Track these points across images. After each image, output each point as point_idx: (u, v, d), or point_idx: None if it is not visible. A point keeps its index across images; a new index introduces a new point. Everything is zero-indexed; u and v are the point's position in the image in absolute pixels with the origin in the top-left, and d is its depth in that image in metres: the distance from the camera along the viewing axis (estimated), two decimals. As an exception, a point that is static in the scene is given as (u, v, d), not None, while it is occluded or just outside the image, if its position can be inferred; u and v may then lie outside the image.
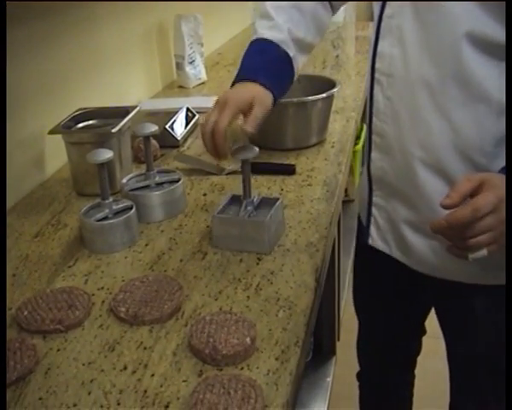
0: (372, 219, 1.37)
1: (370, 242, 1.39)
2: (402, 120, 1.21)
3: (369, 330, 1.69)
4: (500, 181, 1.01)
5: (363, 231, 1.42)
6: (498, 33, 1.06)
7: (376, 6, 1.24)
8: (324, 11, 1.47)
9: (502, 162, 1.09)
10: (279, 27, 1.39)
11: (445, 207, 0.98)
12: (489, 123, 1.12)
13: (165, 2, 2.62)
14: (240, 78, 1.35)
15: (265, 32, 1.39)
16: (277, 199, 1.37)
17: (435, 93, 1.15)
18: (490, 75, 1.10)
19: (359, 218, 1.49)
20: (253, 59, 1.39)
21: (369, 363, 1.76)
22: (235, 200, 1.39)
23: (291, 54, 1.39)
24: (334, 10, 1.51)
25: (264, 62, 1.37)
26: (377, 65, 1.24)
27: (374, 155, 1.31)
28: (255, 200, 1.37)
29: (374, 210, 1.36)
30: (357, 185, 3.64)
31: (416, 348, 1.69)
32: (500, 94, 1.09)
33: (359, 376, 1.82)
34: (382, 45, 1.22)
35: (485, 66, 1.10)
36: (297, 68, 1.42)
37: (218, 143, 1.26)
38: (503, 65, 1.09)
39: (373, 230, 1.38)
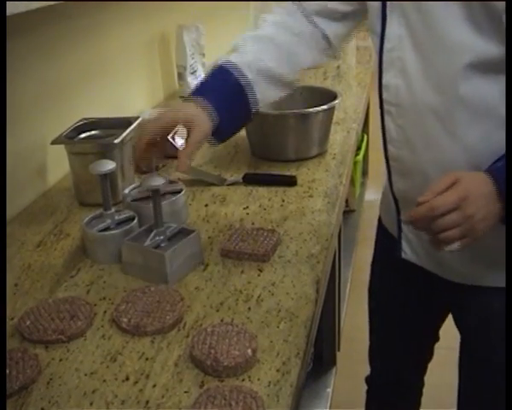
0: (403, 235, 1.39)
1: (403, 255, 1.41)
2: (415, 145, 1.23)
3: (384, 333, 1.70)
4: (471, 180, 1.08)
5: (393, 245, 1.43)
6: (501, 52, 1.08)
7: (376, 40, 1.26)
8: (306, 50, 1.43)
9: None
10: (245, 52, 1.37)
11: (419, 204, 1.07)
12: (498, 136, 1.13)
13: (167, 13, 2.63)
14: (188, 96, 1.35)
15: (230, 56, 1.37)
16: (193, 231, 1.34)
17: (442, 118, 1.17)
18: (493, 90, 1.12)
19: (386, 229, 1.51)
20: (206, 80, 1.37)
21: (381, 366, 1.76)
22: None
23: (243, 81, 1.33)
24: (333, 50, 1.46)
25: (215, 85, 1.35)
26: (384, 96, 1.26)
27: (394, 178, 1.34)
28: (170, 230, 1.34)
29: (403, 227, 1.38)
30: (358, 196, 3.66)
31: (429, 354, 1.70)
32: (504, 106, 1.11)
33: (369, 379, 1.82)
34: (386, 77, 1.24)
35: (487, 83, 1.12)
36: (259, 98, 1.36)
37: (136, 156, 1.31)
38: (503, 77, 1.10)
39: (405, 245, 1.40)
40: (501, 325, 1.22)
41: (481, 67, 1.11)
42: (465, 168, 1.16)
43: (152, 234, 1.32)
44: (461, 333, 1.46)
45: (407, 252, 1.41)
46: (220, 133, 1.33)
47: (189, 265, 1.32)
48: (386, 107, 1.28)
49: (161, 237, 1.32)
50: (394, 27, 1.20)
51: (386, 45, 1.22)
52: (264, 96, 1.38)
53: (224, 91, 1.34)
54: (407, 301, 1.57)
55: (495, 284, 1.28)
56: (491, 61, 1.10)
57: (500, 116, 1.12)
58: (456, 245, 1.07)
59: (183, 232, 1.35)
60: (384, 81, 1.26)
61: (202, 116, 1.28)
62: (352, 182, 3.38)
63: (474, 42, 1.09)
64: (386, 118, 1.28)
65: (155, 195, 1.30)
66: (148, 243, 1.30)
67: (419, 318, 1.58)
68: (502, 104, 1.11)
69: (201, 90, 1.34)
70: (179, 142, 1.59)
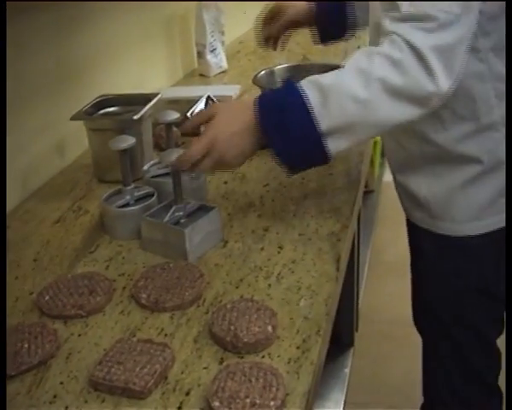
0: None
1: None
2: None
3: None
4: (225, 117, 1.23)
5: None
6: None
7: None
8: None
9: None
10: None
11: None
12: None
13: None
14: None
15: None
16: (213, 207, 1.34)
17: None
18: None
19: None
20: None
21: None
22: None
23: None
24: None
25: None
26: None
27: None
28: (189, 206, 1.34)
29: None
30: (377, 176, 3.63)
31: None
32: None
33: None
34: None
35: None
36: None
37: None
38: None
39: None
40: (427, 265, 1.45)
41: None
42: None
43: (171, 210, 1.31)
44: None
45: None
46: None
47: (208, 242, 1.31)
48: None
49: (181, 214, 1.31)
50: None
51: None
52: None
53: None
54: None
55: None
56: None
57: None
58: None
59: (203, 209, 1.34)
60: None
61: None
62: (371, 162, 3.36)
63: None
64: None
65: (175, 170, 1.29)
66: (167, 219, 1.30)
67: None
68: None
69: None
70: None
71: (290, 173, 1.27)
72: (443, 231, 1.37)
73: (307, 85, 1.17)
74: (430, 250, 1.42)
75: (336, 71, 1.18)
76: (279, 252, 1.27)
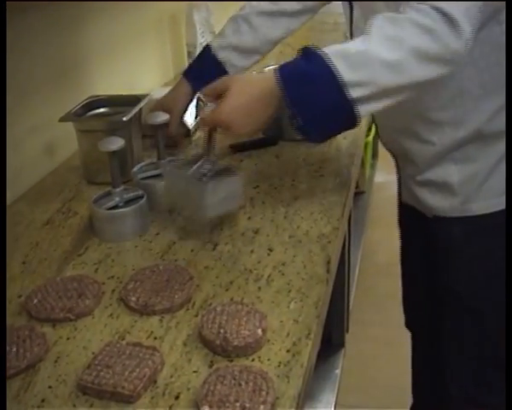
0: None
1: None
2: None
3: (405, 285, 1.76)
4: (238, 89, 1.24)
5: None
6: None
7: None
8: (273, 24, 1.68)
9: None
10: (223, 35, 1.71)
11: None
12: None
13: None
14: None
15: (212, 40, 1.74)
16: (236, 171, 1.39)
17: None
18: None
19: None
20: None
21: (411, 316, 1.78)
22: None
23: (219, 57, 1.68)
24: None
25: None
26: None
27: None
28: (216, 165, 1.37)
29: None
30: (368, 177, 3.64)
31: None
32: None
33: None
34: None
35: None
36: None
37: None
38: None
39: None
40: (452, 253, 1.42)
41: None
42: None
43: (198, 164, 1.34)
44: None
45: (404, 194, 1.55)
46: None
47: (228, 203, 1.34)
48: None
49: (207, 169, 1.34)
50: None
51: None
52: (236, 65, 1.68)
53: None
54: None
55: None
56: None
57: None
58: None
59: (228, 170, 1.37)
60: None
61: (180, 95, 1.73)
62: (362, 163, 3.36)
63: None
64: None
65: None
66: (192, 171, 1.32)
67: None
68: None
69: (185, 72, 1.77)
70: (189, 121, 1.59)
71: (315, 142, 1.31)
72: (473, 213, 1.38)
73: (334, 55, 1.17)
74: (458, 236, 1.42)
75: (361, 38, 1.18)
76: (269, 254, 1.27)
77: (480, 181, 1.36)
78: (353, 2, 1.41)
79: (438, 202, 1.43)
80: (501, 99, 1.29)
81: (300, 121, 1.21)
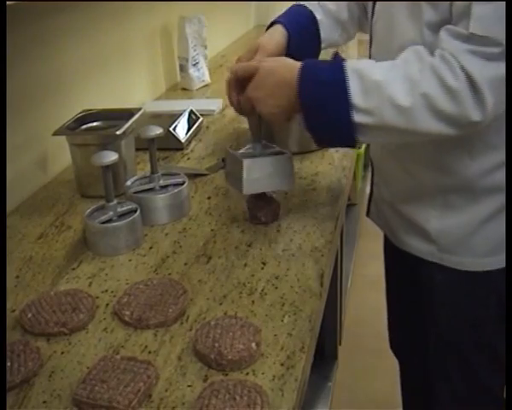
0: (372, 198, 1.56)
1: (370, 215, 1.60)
2: None
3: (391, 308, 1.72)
4: (267, 72, 1.26)
5: None
6: None
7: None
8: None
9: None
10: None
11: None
12: None
13: (169, 4, 2.62)
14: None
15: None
16: (285, 153, 1.42)
17: None
18: None
19: None
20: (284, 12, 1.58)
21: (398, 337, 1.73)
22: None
23: (318, 17, 1.53)
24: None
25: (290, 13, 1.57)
26: None
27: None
28: (268, 149, 1.44)
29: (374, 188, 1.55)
30: (359, 189, 3.65)
31: None
32: None
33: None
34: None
35: None
36: (324, 34, 1.55)
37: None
38: None
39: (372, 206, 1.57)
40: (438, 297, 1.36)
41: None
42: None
43: (248, 145, 1.43)
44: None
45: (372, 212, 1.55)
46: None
47: (271, 183, 1.37)
48: None
49: (256, 150, 1.41)
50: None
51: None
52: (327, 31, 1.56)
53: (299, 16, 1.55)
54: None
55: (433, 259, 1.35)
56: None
57: None
58: None
59: (277, 153, 1.43)
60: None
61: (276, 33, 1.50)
62: (354, 175, 3.37)
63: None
64: None
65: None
66: (242, 151, 1.39)
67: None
68: None
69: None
70: (181, 134, 1.59)
71: (318, 145, 1.38)
72: (457, 266, 1.32)
73: (352, 73, 1.17)
74: (442, 283, 1.35)
75: (387, 65, 1.17)
76: (262, 268, 1.27)
77: (465, 235, 1.29)
78: None
79: (411, 241, 1.38)
80: (502, 155, 1.22)
81: (306, 122, 1.23)
